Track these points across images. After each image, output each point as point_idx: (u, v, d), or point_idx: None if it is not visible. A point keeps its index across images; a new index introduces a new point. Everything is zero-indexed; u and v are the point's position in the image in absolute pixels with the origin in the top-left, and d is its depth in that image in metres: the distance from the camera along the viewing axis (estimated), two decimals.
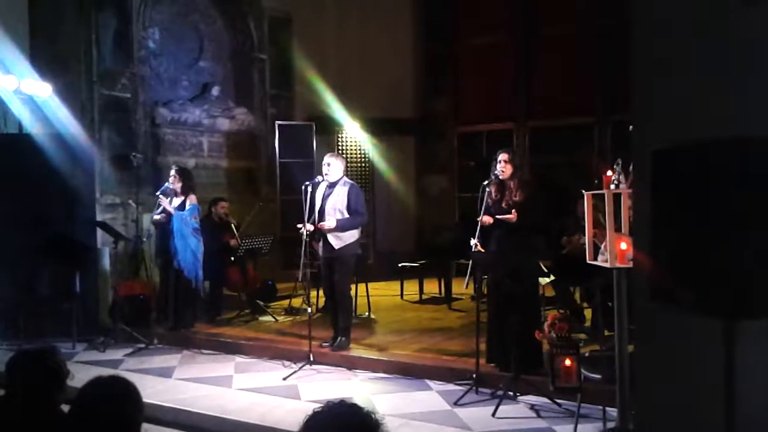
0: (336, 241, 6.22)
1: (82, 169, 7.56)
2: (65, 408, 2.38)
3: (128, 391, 2.22)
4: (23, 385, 2.52)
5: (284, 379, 5.75)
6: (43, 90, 7.81)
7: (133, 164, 7.94)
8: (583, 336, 6.10)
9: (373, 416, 1.68)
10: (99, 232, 7.82)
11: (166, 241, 7.22)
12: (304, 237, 6.15)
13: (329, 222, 6.17)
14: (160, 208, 7.20)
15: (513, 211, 5.30)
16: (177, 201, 7.21)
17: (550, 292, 6.82)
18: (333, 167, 6.32)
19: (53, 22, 8.43)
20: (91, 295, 7.53)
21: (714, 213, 1.95)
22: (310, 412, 1.71)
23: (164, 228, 7.24)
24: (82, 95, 8.47)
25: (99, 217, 8.00)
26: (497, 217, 5.34)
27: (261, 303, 8.15)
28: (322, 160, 6.50)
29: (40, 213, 7.15)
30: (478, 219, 5.33)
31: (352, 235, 6.30)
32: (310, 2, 10.99)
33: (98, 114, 8.59)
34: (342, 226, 6.20)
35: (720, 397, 2.06)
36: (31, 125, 7.92)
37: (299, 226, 6.24)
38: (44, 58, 8.23)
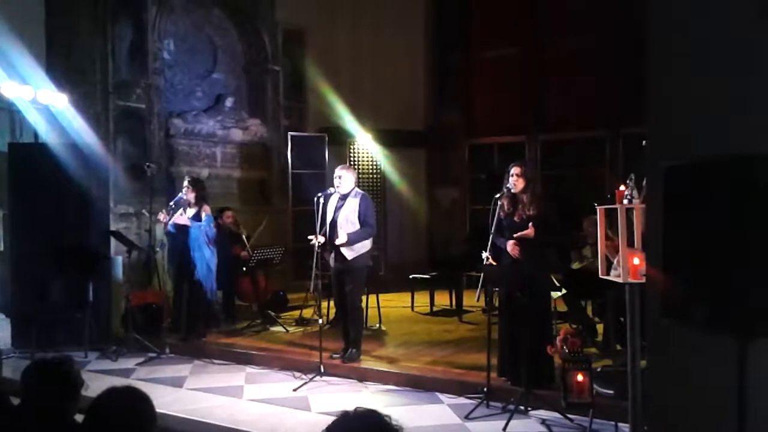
0: (348, 252, 6.23)
1: (97, 179, 7.62)
2: (79, 418, 2.39)
3: (142, 403, 2.23)
4: (38, 395, 2.54)
5: (295, 390, 5.76)
6: (59, 100, 7.90)
7: (147, 174, 7.99)
8: (594, 350, 6.07)
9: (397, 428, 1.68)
10: (112, 241, 7.87)
11: (178, 251, 7.26)
12: (316, 248, 6.17)
13: (340, 237, 6.17)
14: (171, 220, 7.24)
15: (530, 225, 5.29)
16: (191, 211, 7.26)
17: (561, 307, 6.80)
18: (344, 179, 6.34)
19: (69, 33, 8.54)
20: (103, 304, 7.56)
21: (727, 229, 1.95)
22: (338, 415, 1.71)
23: (176, 238, 7.29)
24: (97, 106, 8.56)
25: (113, 227, 8.05)
26: (515, 235, 5.33)
27: (272, 313, 8.16)
28: (334, 171, 6.53)
29: (54, 222, 7.22)
30: (491, 233, 5.33)
31: (363, 246, 6.31)
32: (323, 15, 11.07)
33: (113, 124, 8.68)
34: (353, 241, 6.22)
35: (733, 415, 2.05)
36: (47, 135, 8.01)
37: (310, 238, 6.25)
38: (60, 69, 8.33)
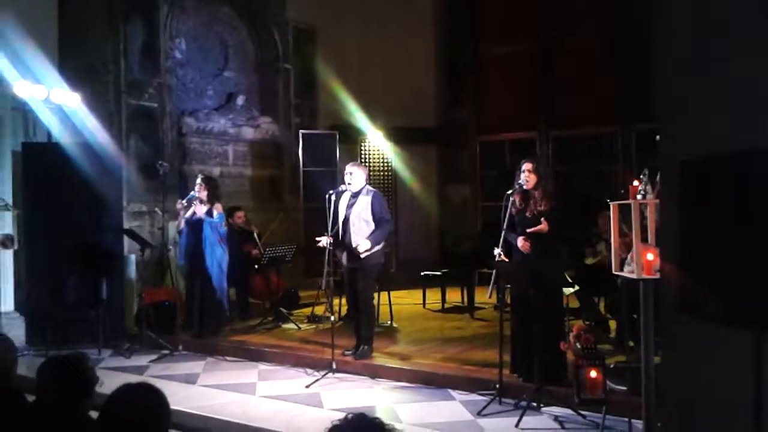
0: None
1: (110, 178, 7.66)
2: (94, 414, 2.41)
3: (157, 399, 2.24)
4: (53, 392, 2.56)
5: (307, 387, 5.77)
6: (72, 100, 7.94)
7: (159, 173, 8.02)
8: (608, 347, 6.05)
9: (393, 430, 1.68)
10: (126, 239, 7.92)
11: (191, 249, 7.29)
12: (328, 246, 6.17)
13: (363, 245, 6.13)
14: (189, 212, 7.27)
15: (542, 219, 5.26)
16: (203, 209, 7.28)
17: (574, 303, 6.78)
18: (355, 176, 6.33)
19: (82, 33, 8.58)
20: (117, 301, 7.62)
21: (742, 223, 1.94)
22: (329, 425, 1.71)
23: (189, 235, 7.32)
24: (110, 105, 8.60)
25: (126, 225, 8.10)
26: (528, 231, 5.31)
27: (284, 311, 8.19)
28: (345, 168, 6.53)
29: (68, 220, 7.27)
30: (502, 229, 5.31)
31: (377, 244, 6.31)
32: (334, 13, 11.08)
33: (126, 123, 8.72)
34: (376, 242, 6.21)
35: (748, 411, 2.03)
36: (60, 134, 8.05)
37: (319, 239, 6.24)
38: (73, 69, 8.38)
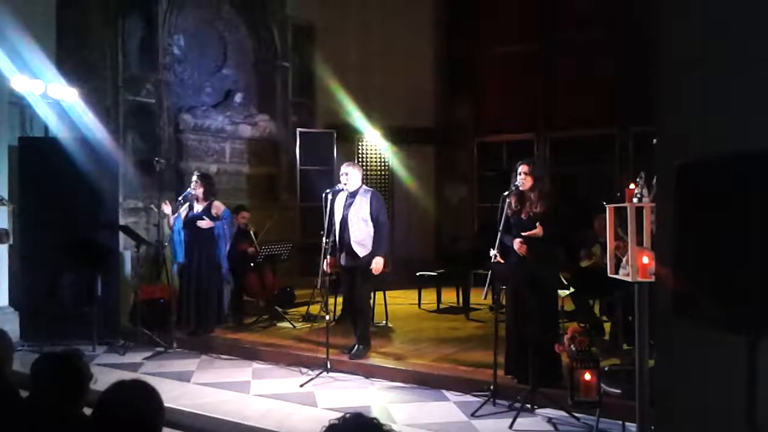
0: (360, 249, 6.24)
1: (106, 174, 7.64)
2: (88, 411, 2.40)
3: (150, 396, 2.24)
4: (47, 388, 2.55)
5: (301, 386, 5.76)
6: (69, 95, 7.92)
7: (156, 169, 8.00)
8: (602, 349, 6.05)
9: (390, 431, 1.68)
10: (121, 235, 7.90)
11: (190, 245, 7.29)
12: (324, 244, 6.16)
13: (377, 263, 6.19)
14: (183, 211, 7.27)
15: (537, 224, 5.27)
16: (199, 207, 7.28)
17: (569, 306, 6.78)
18: (351, 176, 6.33)
19: (80, 28, 8.57)
20: (112, 298, 7.60)
21: (738, 227, 1.94)
22: (326, 425, 1.71)
23: (188, 232, 7.31)
24: (107, 100, 8.59)
25: (121, 221, 8.08)
26: (523, 234, 5.31)
27: (279, 309, 8.18)
28: (341, 169, 6.53)
29: (63, 216, 7.25)
30: (498, 230, 5.31)
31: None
32: (333, 11, 11.07)
33: (123, 119, 8.71)
34: (384, 250, 6.28)
35: (742, 416, 2.03)
36: (57, 129, 8.04)
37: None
38: (71, 64, 8.36)
